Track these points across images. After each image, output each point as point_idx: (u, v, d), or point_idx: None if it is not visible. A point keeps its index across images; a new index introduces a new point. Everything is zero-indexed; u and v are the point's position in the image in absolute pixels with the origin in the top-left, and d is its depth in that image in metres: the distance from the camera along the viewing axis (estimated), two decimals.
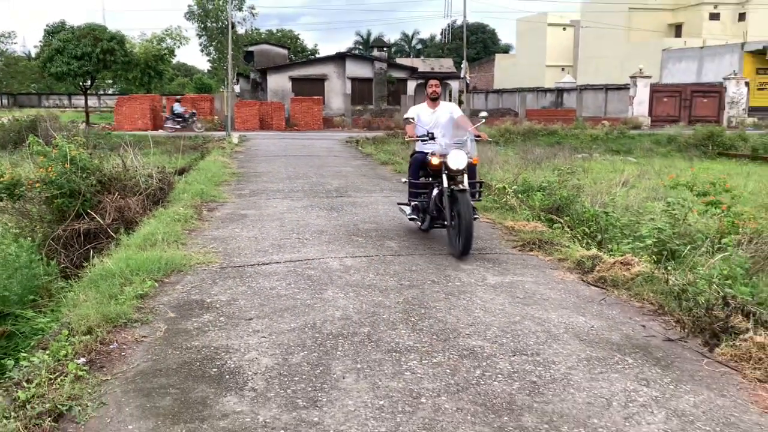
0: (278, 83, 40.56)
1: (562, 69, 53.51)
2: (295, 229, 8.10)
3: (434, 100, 7.74)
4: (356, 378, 3.77)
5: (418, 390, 3.62)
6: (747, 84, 34.33)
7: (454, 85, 45.28)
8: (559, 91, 41.59)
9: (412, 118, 7.50)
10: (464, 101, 41.34)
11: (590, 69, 48.72)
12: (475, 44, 70.93)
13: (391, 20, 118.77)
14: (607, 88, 37.21)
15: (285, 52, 49.71)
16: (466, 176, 6.74)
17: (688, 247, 6.75)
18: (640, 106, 34.32)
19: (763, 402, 3.51)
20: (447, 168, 6.76)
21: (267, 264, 6.40)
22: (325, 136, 30.22)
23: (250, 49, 46.52)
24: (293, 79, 40.81)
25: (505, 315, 4.93)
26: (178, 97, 35.36)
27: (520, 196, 10.02)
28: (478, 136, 7.21)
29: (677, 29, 47.66)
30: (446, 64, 56.59)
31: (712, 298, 4.91)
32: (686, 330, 4.57)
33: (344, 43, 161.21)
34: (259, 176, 13.93)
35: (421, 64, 53.15)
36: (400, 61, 51.76)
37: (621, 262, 6.12)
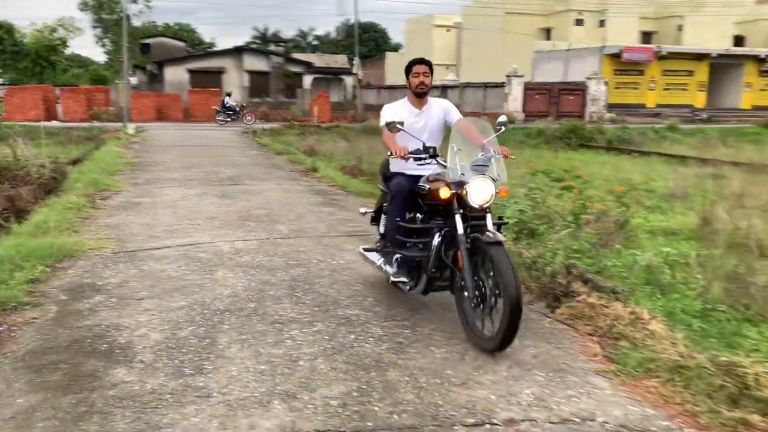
0: (176, 75, 39.20)
1: (447, 67, 54.93)
2: (188, 216, 8.03)
3: (421, 95, 4.73)
4: (240, 347, 3.90)
5: (297, 354, 3.80)
6: (606, 83, 36.68)
7: (348, 80, 45.48)
8: (444, 88, 42.72)
9: (399, 124, 4.30)
10: (357, 96, 41.65)
11: (472, 68, 50.31)
12: (368, 42, 71.41)
13: (287, 17, 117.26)
14: (486, 86, 38.62)
15: (182, 45, 48.06)
16: (489, 217, 4.08)
17: (545, 226, 7.30)
18: (514, 102, 35.89)
19: (590, 351, 3.95)
20: (463, 204, 4.03)
21: (159, 248, 6.35)
22: (223, 127, 29.58)
23: (147, 41, 44.64)
24: (191, 72, 39.58)
25: (382, 288, 5.18)
26: (229, 91, 34.02)
27: None
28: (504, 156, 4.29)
29: (547, 33, 50.11)
30: (341, 60, 56.71)
31: (558, 268, 5.39)
32: (534, 295, 5.01)
33: (242, 37, 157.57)
34: (154, 166, 13.55)
35: (317, 60, 52.96)
36: (296, 56, 51.28)
37: None
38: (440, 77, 50.00)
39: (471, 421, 3.06)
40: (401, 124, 4.30)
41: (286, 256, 6.14)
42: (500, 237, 3.84)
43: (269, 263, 5.87)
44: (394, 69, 60.34)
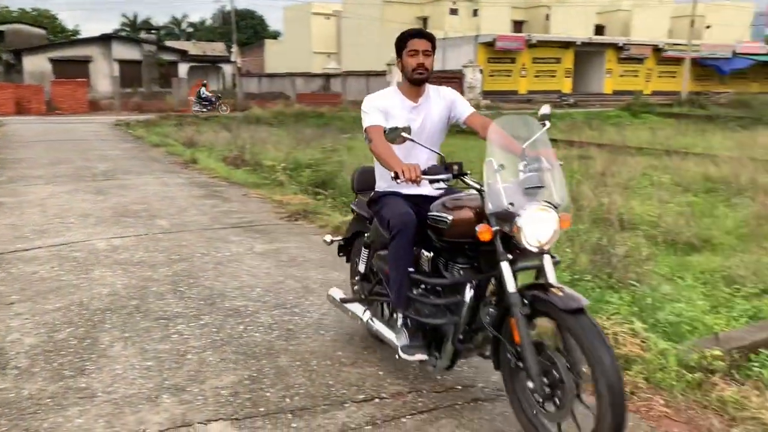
0: (36, 65, 36.46)
1: (329, 56, 54.89)
2: (59, 214, 7.59)
3: (419, 83, 3.34)
4: (124, 345, 3.80)
5: (185, 349, 3.76)
6: (481, 71, 38.22)
7: (227, 68, 44.30)
8: (327, 77, 42.72)
9: (406, 130, 2.88)
10: (238, 84, 40.71)
11: (353, 56, 50.60)
12: (246, 29, 69.73)
13: (159, 3, 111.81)
14: (368, 74, 39.03)
15: (43, 32, 44.65)
16: (550, 263, 2.71)
17: None
18: None
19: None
20: (509, 244, 2.72)
21: (28, 250, 5.98)
22: (92, 119, 27.92)
23: (1, 28, 41.07)
24: (54, 61, 36.97)
25: (270, 277, 5.21)
26: (204, 82, 31.62)
27: (289, 172, 10.34)
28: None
29: (424, 22, 51.31)
30: (218, 48, 55.01)
31: None
32: None
33: (109, 24, 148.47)
34: (17, 163, 12.61)
35: (192, 48, 51.10)
36: (170, 44, 49.23)
37: None
38: (322, 66, 50.02)
39: (361, 397, 3.19)
40: (408, 130, 2.85)
41: (167, 251, 5.99)
42: (579, 298, 2.47)
43: (150, 259, 5.70)
44: (273, 57, 59.49)
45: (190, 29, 74.95)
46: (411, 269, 3.14)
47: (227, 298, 4.66)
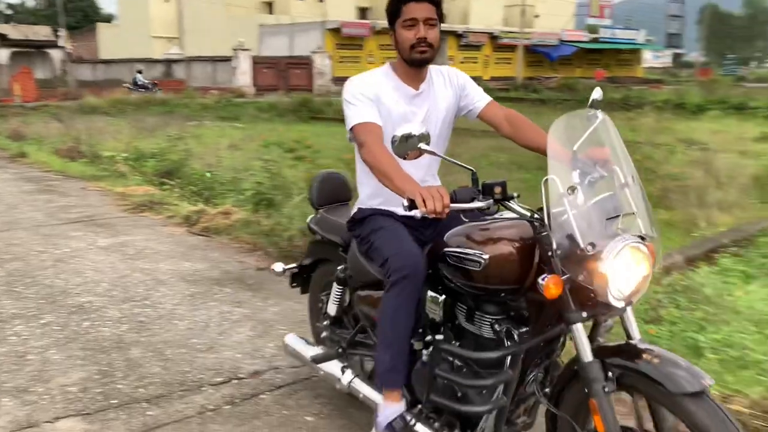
0: None
1: (170, 40, 52.38)
2: None
3: (421, 64, 2.40)
4: None
5: (25, 350, 3.56)
6: (330, 57, 38.44)
7: (56, 54, 40.80)
8: (169, 62, 40.78)
9: (424, 139, 2.01)
10: (68, 72, 37.72)
11: (196, 41, 48.68)
12: (74, 12, 64.51)
13: None
14: (214, 60, 37.76)
15: None
16: (633, 319, 1.94)
17: (281, 195, 7.62)
18: (243, 76, 35.75)
19: None
20: (583, 298, 1.85)
21: None
22: None
23: None
24: None
25: (116, 271, 5.01)
26: (140, 69, 32.83)
27: (132, 163, 9.87)
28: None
29: (269, 6, 50.57)
30: (43, 32, 50.38)
31: (295, 232, 5.73)
32: (273, 258, 5.29)
33: None
34: None
35: (13, 31, 46.36)
36: None
37: (222, 213, 6.65)
38: (163, 51, 47.68)
39: (219, 380, 3.22)
40: (427, 138, 2.03)
41: None
42: (698, 373, 1.71)
43: None
44: (108, 42, 55.78)
45: (9, 11, 68.08)
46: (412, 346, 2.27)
47: (70, 295, 4.44)
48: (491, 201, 1.92)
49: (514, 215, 1.98)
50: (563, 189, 1.84)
